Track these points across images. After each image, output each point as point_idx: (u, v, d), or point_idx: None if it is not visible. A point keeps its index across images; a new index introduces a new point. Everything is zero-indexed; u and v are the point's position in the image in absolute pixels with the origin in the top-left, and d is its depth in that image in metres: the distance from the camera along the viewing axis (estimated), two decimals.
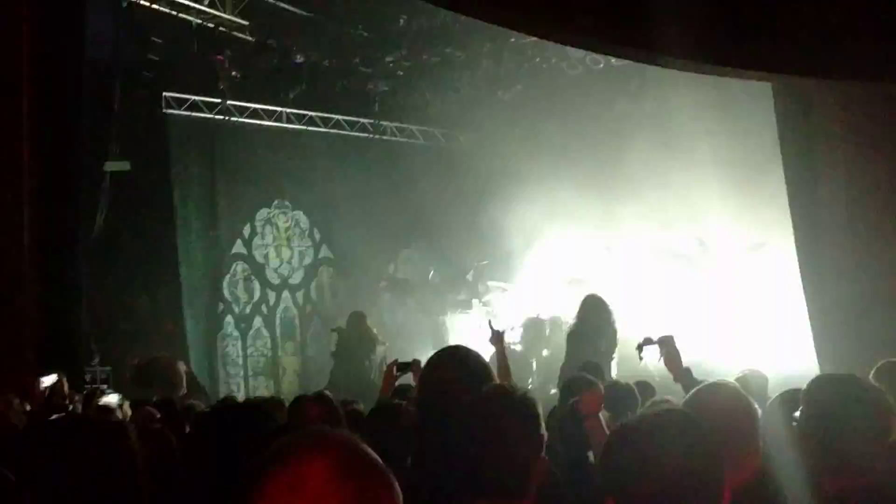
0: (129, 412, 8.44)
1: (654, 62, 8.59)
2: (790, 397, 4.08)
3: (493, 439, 2.90)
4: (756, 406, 3.30)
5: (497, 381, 3.66)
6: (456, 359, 3.61)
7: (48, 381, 9.09)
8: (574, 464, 4.51)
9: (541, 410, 3.08)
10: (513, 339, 16.07)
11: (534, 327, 15.87)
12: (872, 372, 5.53)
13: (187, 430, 6.19)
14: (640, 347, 5.88)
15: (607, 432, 4.79)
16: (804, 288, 10.54)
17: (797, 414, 3.42)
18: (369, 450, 1.79)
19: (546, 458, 2.98)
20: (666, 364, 5.53)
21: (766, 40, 6.13)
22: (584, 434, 4.78)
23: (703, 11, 5.92)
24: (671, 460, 2.35)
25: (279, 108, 18.50)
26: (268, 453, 1.75)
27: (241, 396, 9.45)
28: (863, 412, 3.37)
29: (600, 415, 5.25)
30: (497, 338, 6.80)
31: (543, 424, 3.04)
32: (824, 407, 3.38)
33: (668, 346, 5.54)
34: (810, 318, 10.48)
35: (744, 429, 3.19)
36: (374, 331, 13.53)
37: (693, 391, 3.49)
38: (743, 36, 6.24)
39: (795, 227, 10.66)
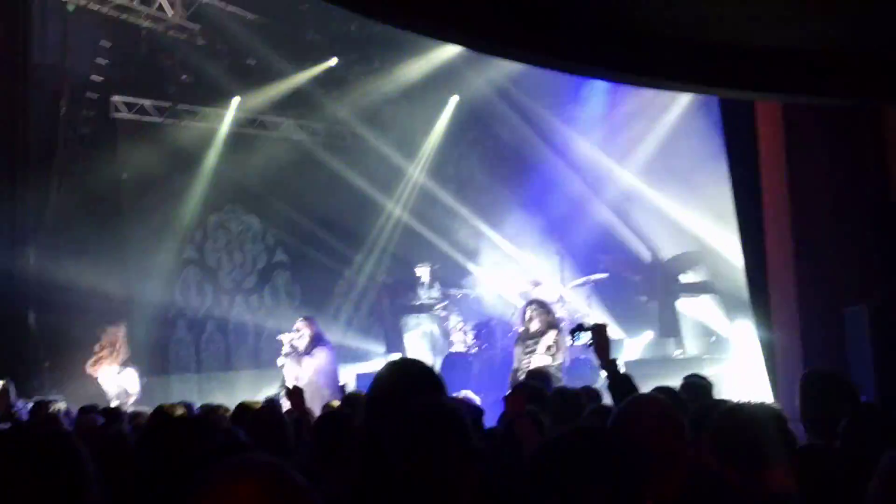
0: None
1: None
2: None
3: (420, 454, 2.94)
4: (681, 417, 3.36)
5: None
6: (402, 372, 3.64)
7: None
8: (508, 467, 4.56)
9: (468, 423, 3.12)
10: (467, 343, 16.17)
11: (486, 331, 15.94)
12: None
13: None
14: (572, 333, 5.97)
15: (536, 434, 4.87)
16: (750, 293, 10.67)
17: None
18: (296, 474, 1.92)
19: (477, 469, 3.03)
20: (595, 351, 5.64)
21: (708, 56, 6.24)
22: (513, 436, 4.86)
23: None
24: (587, 481, 2.46)
25: (228, 112, 18.40)
26: (200, 477, 1.87)
27: (196, 402, 9.47)
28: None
29: (542, 420, 5.31)
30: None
31: (471, 437, 3.08)
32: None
33: (598, 334, 5.65)
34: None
35: (669, 444, 3.24)
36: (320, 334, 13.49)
37: (622, 405, 3.56)
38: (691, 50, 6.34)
39: (741, 235, 10.78)
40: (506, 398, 5.10)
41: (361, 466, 3.52)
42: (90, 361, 13.98)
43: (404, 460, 2.93)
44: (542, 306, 12.40)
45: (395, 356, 17.15)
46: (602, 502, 2.47)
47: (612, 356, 5.55)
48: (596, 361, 5.70)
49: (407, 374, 3.61)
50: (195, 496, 1.84)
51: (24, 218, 12.56)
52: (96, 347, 14.33)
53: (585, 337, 5.79)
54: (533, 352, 11.85)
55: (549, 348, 11.89)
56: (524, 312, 12.39)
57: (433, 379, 3.65)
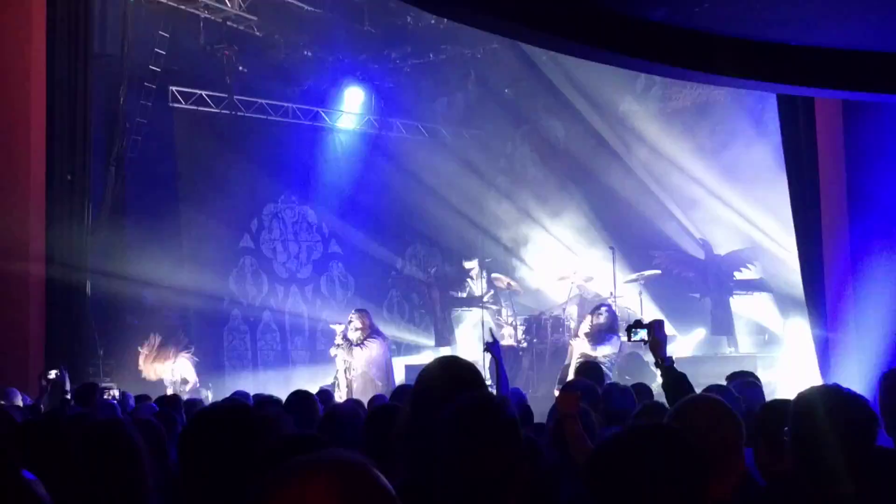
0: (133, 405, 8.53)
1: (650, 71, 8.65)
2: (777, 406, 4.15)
3: (469, 449, 2.94)
4: (739, 418, 3.35)
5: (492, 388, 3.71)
6: (447, 368, 3.65)
7: (51, 374, 9.16)
8: (556, 466, 4.55)
9: (517, 417, 3.13)
10: (516, 337, 16.17)
11: (536, 325, 15.92)
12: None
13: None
14: (629, 329, 5.98)
15: (584, 435, 4.85)
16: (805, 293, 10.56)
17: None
18: (378, 474, 1.75)
19: (528, 464, 3.03)
20: (650, 348, 5.64)
21: (769, 51, 6.19)
22: (561, 434, 4.85)
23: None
24: (652, 475, 2.44)
25: (286, 104, 18.53)
26: (273, 473, 1.74)
27: (251, 391, 9.60)
28: (845, 421, 3.43)
29: (593, 418, 5.29)
30: (490, 347, 6.80)
31: (520, 433, 3.08)
32: (807, 417, 3.46)
33: (655, 332, 5.64)
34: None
35: (727, 441, 3.24)
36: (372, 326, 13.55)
37: (677, 404, 3.55)
38: (747, 47, 6.30)
39: (798, 234, 10.67)
40: (558, 396, 5.09)
41: (407, 462, 3.54)
42: (141, 360, 14.14)
43: (452, 455, 2.93)
44: (611, 312, 12.55)
45: (445, 350, 17.21)
46: (667, 496, 2.45)
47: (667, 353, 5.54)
48: (648, 358, 5.71)
49: (452, 372, 3.63)
50: (264, 496, 1.71)
51: (84, 206, 12.72)
52: (146, 349, 14.47)
53: (642, 333, 5.80)
54: (593, 349, 11.95)
55: (606, 355, 12.01)
56: (595, 311, 12.52)
57: (477, 377, 3.66)
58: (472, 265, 17.62)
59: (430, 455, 3.03)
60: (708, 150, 16.96)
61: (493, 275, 17.77)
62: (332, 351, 13.12)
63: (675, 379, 5.30)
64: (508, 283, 17.37)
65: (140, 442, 4.01)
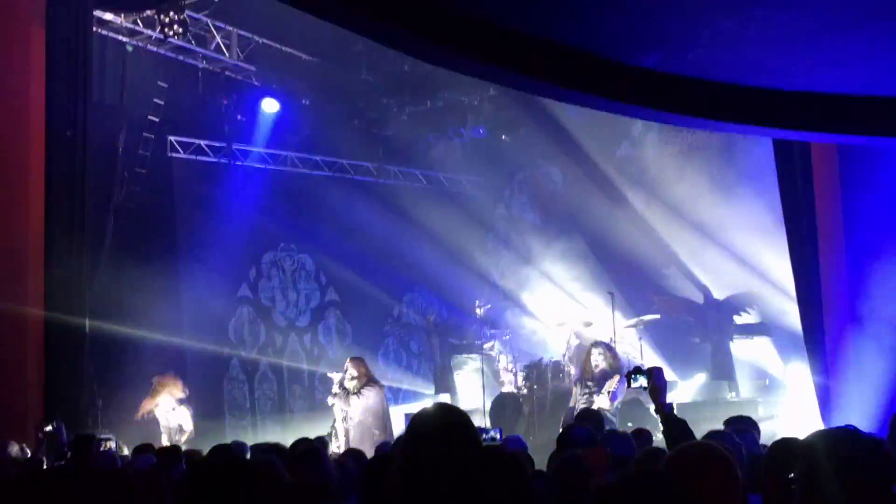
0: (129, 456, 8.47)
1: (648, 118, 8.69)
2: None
3: (481, 500, 2.92)
4: (734, 463, 3.33)
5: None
6: (439, 416, 3.64)
7: (48, 427, 9.09)
8: None
9: (527, 468, 3.12)
10: (516, 384, 16.10)
11: (537, 372, 15.86)
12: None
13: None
14: (629, 375, 5.96)
15: None
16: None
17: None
18: None
19: None
20: (650, 394, 5.63)
21: (761, 97, 6.22)
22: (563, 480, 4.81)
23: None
24: None
25: (284, 152, 18.60)
26: None
27: (248, 441, 9.50)
28: (860, 465, 3.39)
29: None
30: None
31: (529, 482, 3.07)
32: (819, 461, 3.41)
33: (655, 378, 5.63)
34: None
35: (722, 487, 3.24)
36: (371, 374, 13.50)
37: (673, 451, 3.54)
38: (740, 92, 6.33)
39: (796, 277, 10.66)
40: (588, 454, 5.02)
41: None
42: (141, 411, 14.01)
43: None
44: (609, 350, 12.37)
45: (444, 397, 17.12)
46: None
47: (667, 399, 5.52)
48: (649, 404, 5.68)
49: (443, 419, 3.61)
50: None
51: (82, 255, 12.73)
52: (147, 400, 14.35)
53: (642, 380, 5.79)
54: (595, 393, 11.81)
55: (609, 392, 11.88)
56: (589, 353, 12.35)
57: (468, 423, 3.63)
58: (472, 307, 17.63)
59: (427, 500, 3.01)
60: (705, 193, 17.00)
61: (501, 330, 17.77)
62: (330, 400, 13.04)
63: (676, 425, 5.28)
64: (508, 332, 17.41)
65: (140, 494, 3.98)
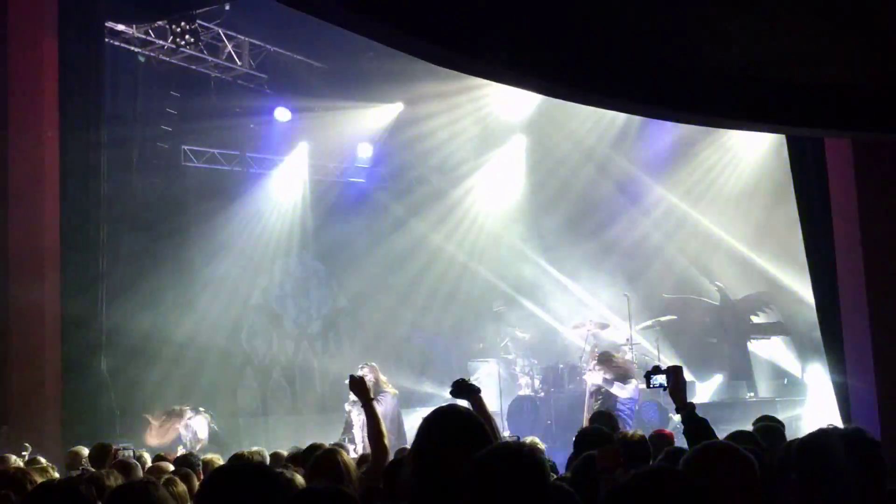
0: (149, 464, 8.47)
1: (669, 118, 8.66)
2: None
3: (503, 496, 2.92)
4: (753, 462, 3.32)
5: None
6: (450, 418, 3.63)
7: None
8: None
9: (546, 464, 3.12)
10: (533, 387, 16.07)
11: (554, 375, 15.83)
12: None
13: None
14: (648, 375, 5.90)
15: None
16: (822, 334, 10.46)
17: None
18: None
19: None
20: (671, 393, 5.57)
21: (779, 94, 6.18)
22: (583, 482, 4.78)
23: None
24: None
25: (296, 160, 18.62)
26: None
27: (264, 448, 9.47)
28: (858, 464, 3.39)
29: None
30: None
31: (550, 478, 3.07)
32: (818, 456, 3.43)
33: (674, 376, 5.58)
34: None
35: (741, 485, 3.23)
36: (384, 380, 13.53)
37: (691, 451, 3.52)
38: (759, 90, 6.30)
39: (813, 276, 10.59)
40: (599, 451, 4.98)
41: None
42: (150, 431, 14.01)
43: (481, 500, 2.91)
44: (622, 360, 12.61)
45: (461, 401, 17.07)
46: None
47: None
48: (666, 404, 5.64)
49: (456, 422, 3.60)
50: None
51: (98, 265, 12.79)
52: (155, 420, 14.35)
53: (660, 379, 5.73)
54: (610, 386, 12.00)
55: (625, 399, 12.01)
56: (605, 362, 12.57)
57: (481, 426, 3.63)
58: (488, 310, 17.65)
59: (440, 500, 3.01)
60: (722, 194, 16.97)
61: (510, 329, 17.73)
62: (347, 406, 13.04)
63: (697, 425, 5.24)
64: (525, 335, 17.35)
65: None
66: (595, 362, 12.99)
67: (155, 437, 13.68)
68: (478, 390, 5.97)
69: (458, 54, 5.37)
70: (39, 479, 4.98)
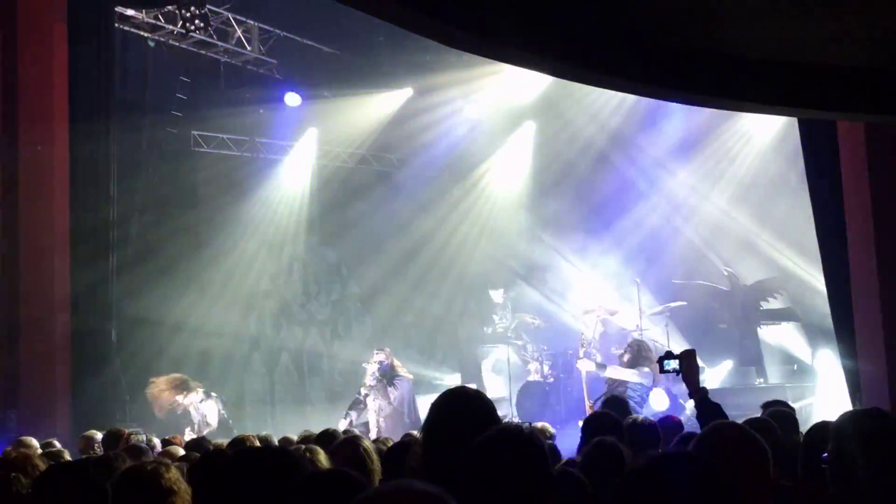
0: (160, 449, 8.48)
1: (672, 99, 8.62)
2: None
3: (501, 480, 2.92)
4: (764, 445, 3.32)
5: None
6: (460, 400, 3.63)
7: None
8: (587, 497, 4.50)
9: (546, 449, 3.11)
10: (542, 373, 16.06)
11: (563, 361, 15.81)
12: None
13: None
14: (660, 360, 5.88)
15: None
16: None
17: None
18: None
19: (555, 496, 3.01)
20: (684, 378, 5.57)
21: (791, 76, 6.15)
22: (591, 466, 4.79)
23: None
24: (679, 502, 2.42)
25: (306, 145, 18.60)
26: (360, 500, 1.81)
27: (272, 433, 9.47)
28: (885, 444, 3.38)
29: (624, 452, 5.22)
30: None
31: (550, 462, 3.06)
32: (851, 441, 3.42)
33: (688, 361, 5.56)
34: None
35: (752, 465, 3.24)
36: (399, 364, 13.54)
37: (702, 433, 3.52)
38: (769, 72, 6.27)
39: (824, 262, 10.56)
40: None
41: None
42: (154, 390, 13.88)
43: (480, 486, 2.90)
44: (633, 347, 12.60)
45: (472, 386, 17.09)
46: None
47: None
48: (676, 390, 5.62)
49: (465, 405, 3.60)
50: None
51: (108, 252, 12.82)
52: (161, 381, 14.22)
53: (673, 364, 5.71)
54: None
55: (635, 384, 12.05)
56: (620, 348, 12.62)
57: (491, 408, 3.63)
58: (497, 299, 17.57)
59: (449, 488, 3.00)
60: (732, 180, 16.93)
61: (520, 315, 17.72)
62: (364, 390, 13.05)
63: (710, 409, 5.23)
64: (534, 321, 17.33)
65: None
66: (625, 349, 12.99)
67: (159, 393, 13.54)
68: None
69: (469, 35, 5.34)
70: (41, 466, 4.99)
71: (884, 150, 9.43)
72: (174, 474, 3.91)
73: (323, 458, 4.73)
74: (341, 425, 13.01)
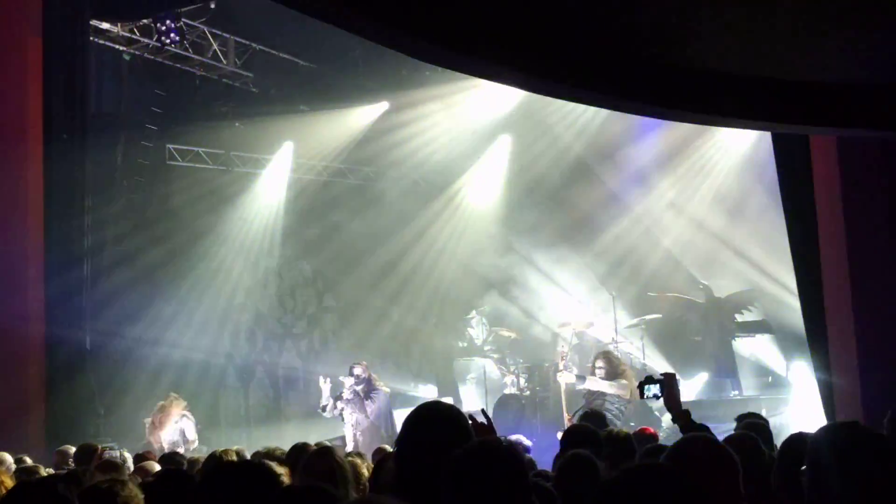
0: (132, 467, 8.42)
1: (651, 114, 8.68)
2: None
3: (482, 494, 2.92)
4: (735, 458, 3.34)
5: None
6: (433, 415, 3.63)
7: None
8: None
9: (524, 462, 3.13)
10: (518, 385, 16.07)
11: (539, 373, 15.83)
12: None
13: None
14: (641, 385, 5.88)
15: None
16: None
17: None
18: None
19: None
20: (665, 402, 5.57)
21: (765, 91, 6.20)
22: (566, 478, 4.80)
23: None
24: None
25: (281, 158, 18.56)
26: None
27: (246, 448, 9.40)
28: (863, 458, 3.40)
29: (598, 464, 5.23)
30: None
31: (528, 476, 3.08)
32: (828, 455, 3.43)
33: (669, 385, 5.56)
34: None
35: (723, 478, 3.28)
36: (377, 377, 13.51)
37: (674, 445, 3.54)
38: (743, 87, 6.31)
39: (797, 274, 10.62)
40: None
41: None
42: (148, 427, 13.85)
43: (460, 499, 2.91)
44: (609, 359, 12.58)
45: (447, 400, 17.09)
46: None
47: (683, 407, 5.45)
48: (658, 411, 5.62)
49: (439, 420, 3.60)
50: None
51: (82, 265, 12.76)
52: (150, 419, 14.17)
53: (654, 389, 5.70)
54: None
55: (613, 396, 12.08)
56: (593, 366, 12.61)
57: (465, 424, 3.63)
58: (473, 313, 17.59)
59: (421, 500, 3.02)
60: (707, 193, 17.04)
61: (495, 328, 17.74)
62: (339, 405, 13.03)
63: (695, 431, 5.22)
64: (510, 334, 17.35)
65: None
66: (594, 359, 13.00)
67: (158, 430, 13.49)
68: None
69: (445, 51, 5.37)
70: (9, 483, 4.96)
71: (857, 164, 9.51)
72: (130, 490, 3.91)
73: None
74: (327, 414, 13.06)
